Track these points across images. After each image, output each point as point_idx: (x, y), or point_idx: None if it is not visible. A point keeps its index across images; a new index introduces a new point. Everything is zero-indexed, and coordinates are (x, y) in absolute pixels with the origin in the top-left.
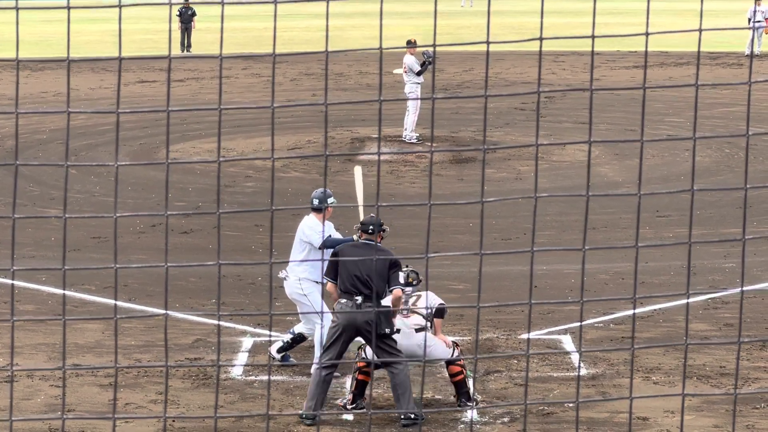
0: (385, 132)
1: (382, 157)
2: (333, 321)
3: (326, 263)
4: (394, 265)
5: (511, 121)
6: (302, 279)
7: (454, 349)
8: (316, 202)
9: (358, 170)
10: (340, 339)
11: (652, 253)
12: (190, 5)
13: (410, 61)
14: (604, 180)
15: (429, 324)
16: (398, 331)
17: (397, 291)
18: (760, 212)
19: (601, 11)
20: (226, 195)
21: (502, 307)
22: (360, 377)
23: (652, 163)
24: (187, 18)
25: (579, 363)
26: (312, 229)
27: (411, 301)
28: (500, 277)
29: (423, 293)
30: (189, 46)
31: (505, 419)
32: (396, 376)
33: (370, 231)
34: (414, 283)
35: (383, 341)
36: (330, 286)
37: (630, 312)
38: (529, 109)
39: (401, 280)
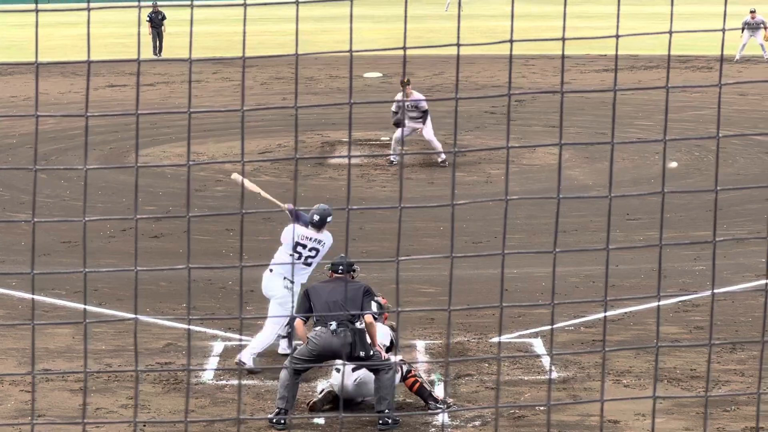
0: (355, 136)
1: (353, 161)
2: (309, 349)
3: (300, 293)
4: (368, 293)
5: (481, 125)
6: (287, 277)
7: (401, 368)
8: (316, 218)
9: (236, 177)
10: (313, 359)
11: (622, 255)
12: (160, 9)
13: (417, 96)
14: (574, 183)
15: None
16: (338, 370)
17: (367, 317)
18: (730, 215)
19: (570, 15)
20: (196, 199)
21: (472, 311)
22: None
23: (622, 167)
24: (157, 22)
25: (550, 366)
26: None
27: None
28: (470, 281)
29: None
30: (161, 50)
31: (477, 423)
32: (382, 378)
33: (339, 271)
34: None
35: (363, 363)
36: (298, 323)
37: (600, 315)
38: (500, 112)
39: (374, 308)
